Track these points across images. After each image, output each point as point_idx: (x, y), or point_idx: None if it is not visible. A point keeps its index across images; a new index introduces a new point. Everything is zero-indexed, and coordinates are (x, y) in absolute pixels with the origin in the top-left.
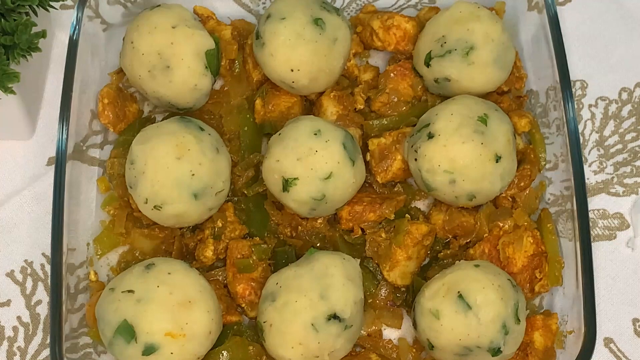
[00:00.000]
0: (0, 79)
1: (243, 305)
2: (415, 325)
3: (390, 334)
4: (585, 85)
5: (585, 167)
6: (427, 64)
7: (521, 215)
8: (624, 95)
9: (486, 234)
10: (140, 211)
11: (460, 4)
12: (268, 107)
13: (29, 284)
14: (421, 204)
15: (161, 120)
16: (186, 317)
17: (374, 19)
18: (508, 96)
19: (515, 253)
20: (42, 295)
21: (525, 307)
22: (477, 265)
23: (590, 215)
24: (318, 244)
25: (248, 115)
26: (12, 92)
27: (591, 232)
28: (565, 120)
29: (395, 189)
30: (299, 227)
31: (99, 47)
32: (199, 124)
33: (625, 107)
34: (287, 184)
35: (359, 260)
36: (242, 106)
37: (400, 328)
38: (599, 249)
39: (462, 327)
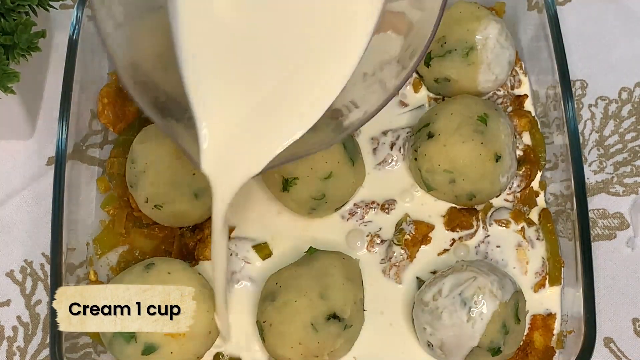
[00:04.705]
0: (0, 79)
1: None
2: (415, 324)
3: None
4: (585, 85)
5: (585, 166)
6: (427, 64)
7: (520, 215)
8: (624, 95)
9: (487, 234)
10: (140, 211)
11: (460, 4)
12: None
13: (28, 283)
14: None
15: None
16: None
17: None
18: (508, 96)
19: None
20: (42, 295)
21: (525, 307)
22: (477, 265)
23: (590, 215)
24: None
25: None
26: (12, 92)
27: (591, 232)
28: (565, 120)
29: None
30: None
31: (99, 47)
32: None
33: (625, 106)
34: (287, 184)
35: (358, 260)
36: None
37: None
38: (599, 249)
39: (462, 326)
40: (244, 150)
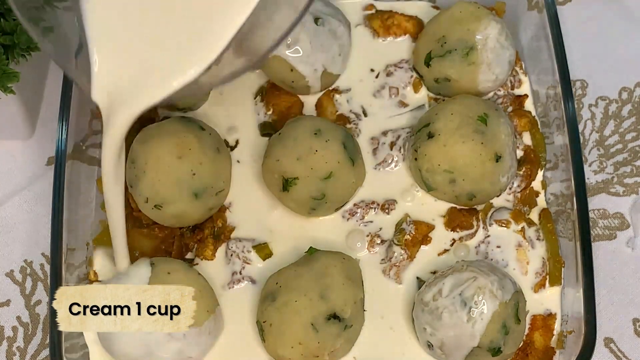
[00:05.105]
0: (0, 79)
1: None
2: (415, 324)
3: None
4: (585, 84)
5: (585, 166)
6: (427, 64)
7: (520, 215)
8: (624, 95)
9: (487, 234)
10: (140, 211)
11: (460, 4)
12: (268, 107)
13: (28, 283)
14: None
15: (161, 120)
16: None
17: (374, 18)
18: (508, 96)
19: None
20: (42, 295)
21: (526, 307)
22: (477, 265)
23: (590, 215)
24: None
25: None
26: (12, 92)
27: (591, 232)
28: (565, 119)
29: None
30: None
31: None
32: (200, 124)
33: (625, 106)
34: (287, 184)
35: (359, 260)
36: None
37: None
38: (599, 249)
39: (462, 326)
40: (140, 78)
